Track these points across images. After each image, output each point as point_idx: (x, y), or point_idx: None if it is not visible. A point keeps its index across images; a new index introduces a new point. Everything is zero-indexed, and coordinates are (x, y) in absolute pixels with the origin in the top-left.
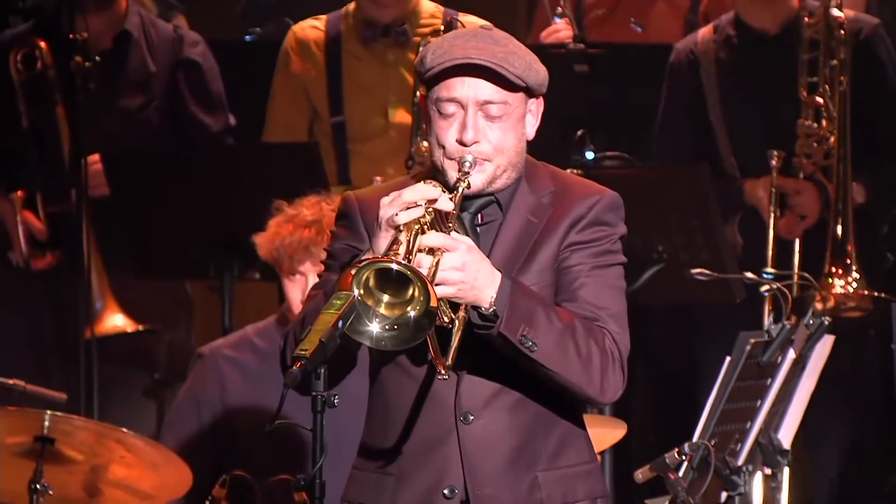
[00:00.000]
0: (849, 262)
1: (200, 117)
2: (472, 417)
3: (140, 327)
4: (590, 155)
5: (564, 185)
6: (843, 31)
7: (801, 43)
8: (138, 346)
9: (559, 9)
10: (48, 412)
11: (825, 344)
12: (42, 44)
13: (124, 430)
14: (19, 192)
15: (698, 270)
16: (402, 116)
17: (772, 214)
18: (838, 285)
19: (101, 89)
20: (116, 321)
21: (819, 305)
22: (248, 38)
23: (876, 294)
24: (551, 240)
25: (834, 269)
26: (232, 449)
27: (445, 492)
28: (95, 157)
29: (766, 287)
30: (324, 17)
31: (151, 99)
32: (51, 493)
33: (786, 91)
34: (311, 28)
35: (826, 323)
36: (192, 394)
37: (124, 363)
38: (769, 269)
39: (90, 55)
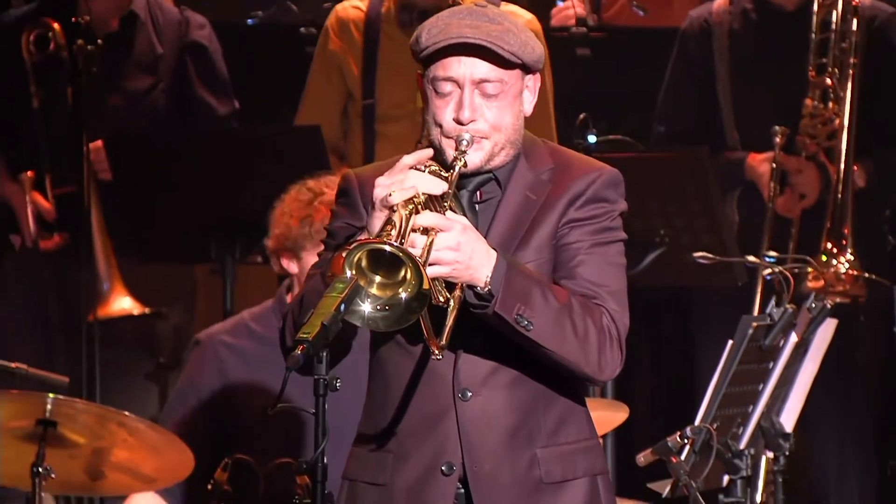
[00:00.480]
0: (844, 242)
1: (207, 100)
2: (470, 394)
3: (146, 310)
4: (592, 138)
5: (564, 162)
6: (856, 16)
7: (814, 23)
8: (144, 328)
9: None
10: (50, 395)
11: (827, 328)
12: (55, 25)
13: (126, 413)
14: (29, 173)
15: (700, 254)
16: None
17: (771, 191)
18: (832, 264)
19: (106, 71)
20: (123, 304)
21: (810, 284)
22: (250, 21)
23: (867, 275)
24: (550, 216)
25: (829, 247)
26: (232, 434)
27: (444, 468)
28: (98, 143)
29: (768, 270)
30: None
31: (158, 81)
32: (53, 476)
33: (796, 70)
34: (353, 8)
35: (828, 306)
36: (190, 380)
37: (128, 347)
38: (771, 253)
39: (94, 38)
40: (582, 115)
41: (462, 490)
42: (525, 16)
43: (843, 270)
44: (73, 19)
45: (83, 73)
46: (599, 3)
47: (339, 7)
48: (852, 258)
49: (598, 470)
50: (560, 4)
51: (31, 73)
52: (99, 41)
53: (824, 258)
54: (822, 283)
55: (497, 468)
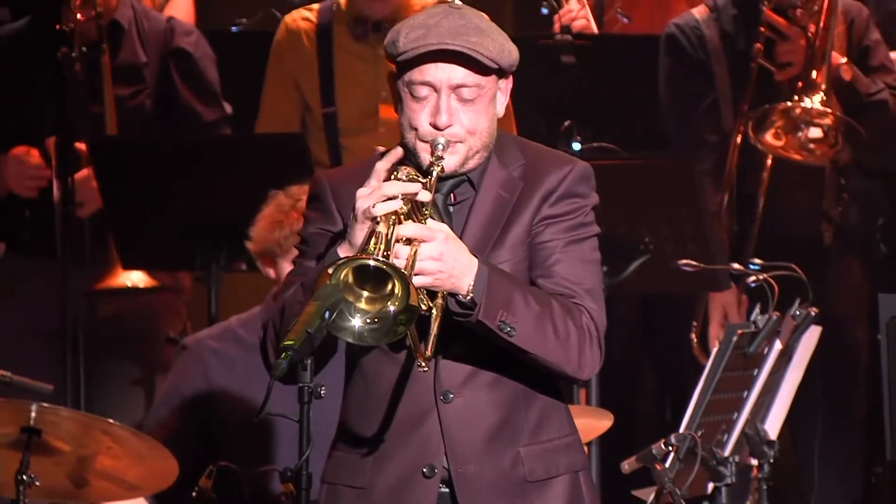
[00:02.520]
0: (821, 83)
1: (193, 106)
2: (452, 395)
3: (156, 283)
4: (576, 146)
5: (534, 157)
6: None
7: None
8: (158, 304)
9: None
10: (35, 403)
11: (812, 335)
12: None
13: (111, 420)
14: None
15: (685, 261)
16: (392, 113)
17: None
18: (801, 103)
19: (89, 79)
20: (133, 277)
21: (772, 140)
22: (234, 28)
23: (840, 115)
24: (524, 214)
25: (800, 86)
26: (218, 440)
27: (425, 470)
28: (86, 171)
29: (752, 278)
30: (316, 6)
31: (143, 88)
32: (37, 484)
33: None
34: (303, 19)
35: (813, 314)
36: (176, 385)
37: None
38: (756, 260)
39: (78, 45)
40: (567, 123)
41: (446, 491)
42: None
43: (811, 106)
44: (58, 27)
45: (67, 81)
46: (603, 12)
47: (288, 19)
48: (825, 98)
49: (579, 466)
50: (545, 13)
51: (77, 40)
52: (83, 48)
53: (795, 98)
54: (798, 114)
55: (481, 468)
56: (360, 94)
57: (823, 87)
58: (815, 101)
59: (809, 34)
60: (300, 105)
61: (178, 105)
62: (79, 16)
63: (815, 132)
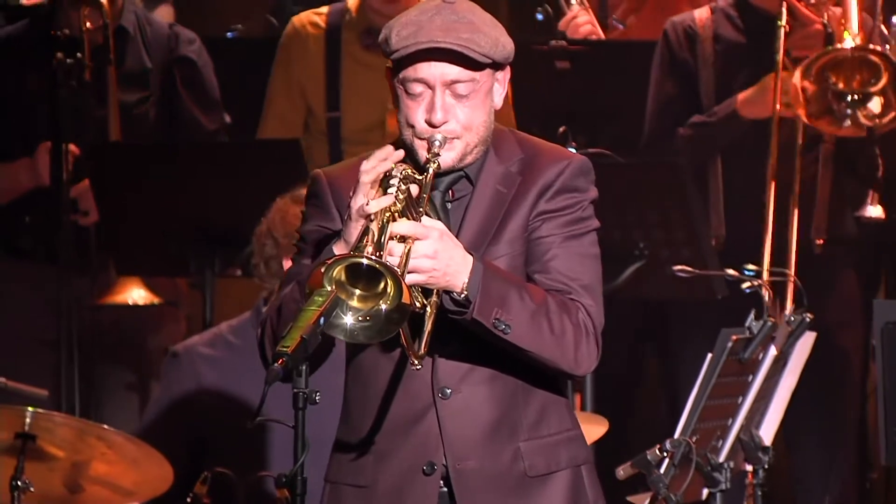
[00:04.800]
0: None
1: (195, 115)
2: (449, 391)
3: (156, 300)
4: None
5: (532, 151)
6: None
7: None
8: (158, 318)
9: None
10: (29, 409)
11: (806, 341)
12: (104, 0)
13: (105, 426)
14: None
15: (679, 267)
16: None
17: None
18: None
19: (93, 84)
20: (134, 295)
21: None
22: (229, 34)
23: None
24: (521, 208)
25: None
26: (211, 447)
27: (424, 468)
28: (85, 182)
29: (747, 284)
30: (325, 9)
31: (148, 95)
32: (32, 490)
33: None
34: (311, 23)
35: (808, 319)
36: (168, 392)
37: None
38: (750, 266)
39: (73, 51)
40: (562, 128)
41: (445, 489)
42: None
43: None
44: (53, 32)
45: (63, 86)
46: (607, 17)
47: (296, 21)
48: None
49: (581, 460)
50: (540, 18)
51: (87, 46)
52: (79, 54)
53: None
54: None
55: (481, 464)
56: (366, 105)
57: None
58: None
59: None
60: (304, 108)
61: (179, 113)
62: (88, 24)
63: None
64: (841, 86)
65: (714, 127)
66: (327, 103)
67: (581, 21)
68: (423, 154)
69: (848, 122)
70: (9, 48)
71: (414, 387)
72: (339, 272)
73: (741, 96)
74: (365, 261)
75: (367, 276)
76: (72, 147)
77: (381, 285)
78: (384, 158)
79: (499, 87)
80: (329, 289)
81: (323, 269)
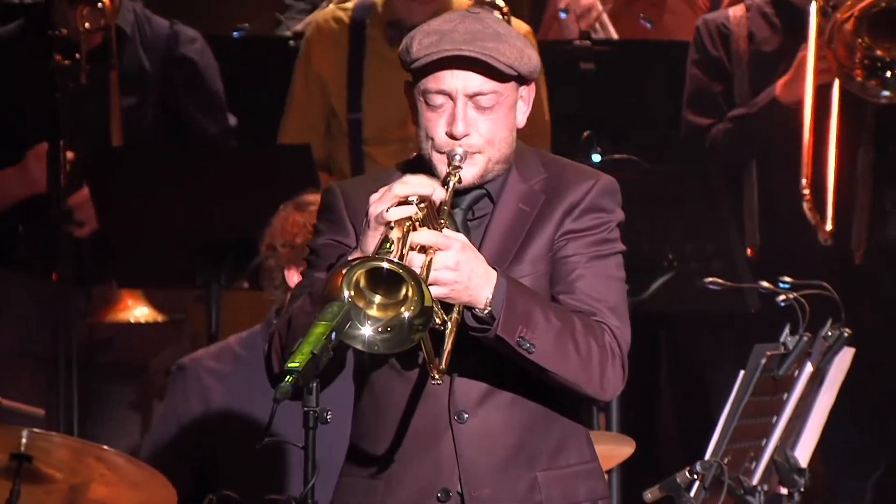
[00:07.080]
0: None
1: (196, 117)
2: (466, 416)
3: (160, 318)
4: (596, 157)
5: (557, 171)
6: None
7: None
8: (163, 336)
9: (562, 3)
10: (25, 429)
11: (844, 357)
12: (106, 1)
13: (105, 447)
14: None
15: (711, 280)
16: None
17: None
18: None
19: (90, 87)
20: (136, 312)
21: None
22: (235, 34)
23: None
24: (545, 228)
25: None
26: (218, 466)
27: (439, 495)
28: (85, 192)
29: (782, 297)
30: (350, 3)
31: (146, 97)
32: None
33: None
34: (334, 19)
35: (845, 335)
36: (173, 408)
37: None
38: (785, 279)
39: (72, 52)
40: (586, 133)
41: None
42: (522, 27)
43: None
44: (49, 33)
45: (60, 88)
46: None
47: (319, 17)
48: None
49: (599, 495)
50: (564, 17)
51: (84, 49)
52: (77, 56)
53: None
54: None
55: (496, 492)
56: (390, 103)
57: None
58: None
59: None
60: (326, 107)
61: (180, 116)
62: (86, 24)
63: None
64: (879, 52)
65: (754, 118)
66: (349, 104)
67: (585, 3)
68: (442, 168)
69: (887, 93)
70: (2, 49)
71: (429, 409)
72: (359, 275)
73: (780, 81)
74: (386, 265)
75: (387, 282)
76: (68, 153)
77: (403, 292)
78: (429, 185)
79: (522, 104)
80: (346, 298)
81: (344, 271)
